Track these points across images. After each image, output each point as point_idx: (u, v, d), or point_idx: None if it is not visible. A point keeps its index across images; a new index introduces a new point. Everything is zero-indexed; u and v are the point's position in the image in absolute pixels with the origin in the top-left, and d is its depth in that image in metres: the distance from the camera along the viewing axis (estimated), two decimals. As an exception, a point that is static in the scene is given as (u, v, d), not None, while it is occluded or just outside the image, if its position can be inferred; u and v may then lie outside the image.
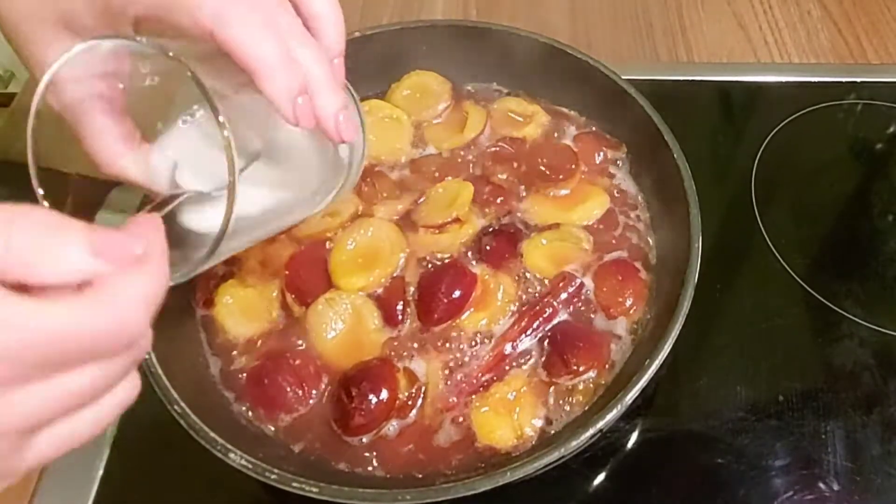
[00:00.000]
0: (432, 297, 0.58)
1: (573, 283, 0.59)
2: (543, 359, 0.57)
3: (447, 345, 0.57)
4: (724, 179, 0.77)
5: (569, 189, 0.66)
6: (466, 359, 0.57)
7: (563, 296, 0.59)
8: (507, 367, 0.56)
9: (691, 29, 0.91)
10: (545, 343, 0.57)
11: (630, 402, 0.49)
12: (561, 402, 0.55)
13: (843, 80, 0.83)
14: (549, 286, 0.60)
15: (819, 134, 0.80)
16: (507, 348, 0.57)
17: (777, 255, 0.70)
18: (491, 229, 0.63)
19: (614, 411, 0.49)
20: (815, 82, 0.84)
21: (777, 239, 0.71)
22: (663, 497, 0.57)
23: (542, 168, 0.67)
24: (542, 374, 0.56)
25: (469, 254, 0.62)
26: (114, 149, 0.42)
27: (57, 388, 0.27)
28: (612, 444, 0.59)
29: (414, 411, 0.55)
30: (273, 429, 0.55)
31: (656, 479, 0.58)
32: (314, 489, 0.46)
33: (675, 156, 0.60)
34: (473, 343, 0.57)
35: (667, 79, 0.83)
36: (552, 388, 0.56)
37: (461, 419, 0.55)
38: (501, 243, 0.62)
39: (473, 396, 0.55)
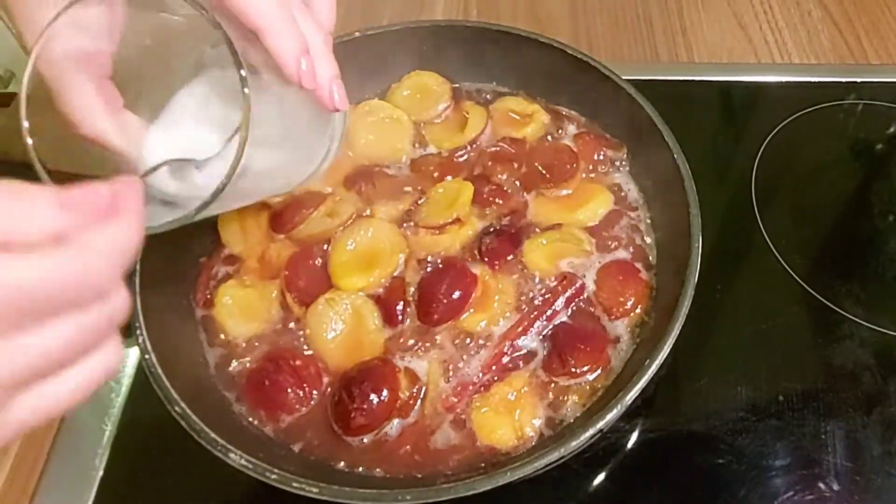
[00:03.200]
0: (432, 297, 0.58)
1: (574, 284, 0.59)
2: (543, 359, 0.57)
3: (447, 345, 0.57)
4: (724, 179, 0.77)
5: (571, 189, 0.66)
6: (466, 359, 0.57)
7: (565, 296, 0.59)
8: (507, 368, 0.56)
9: (691, 29, 0.91)
10: (546, 343, 0.57)
11: (630, 402, 0.49)
12: (561, 402, 0.55)
13: (843, 80, 0.83)
14: (551, 287, 0.60)
15: (819, 134, 0.80)
16: (508, 349, 0.57)
17: (777, 255, 0.70)
18: (491, 229, 0.63)
19: (614, 411, 0.49)
20: (815, 82, 0.84)
21: (777, 239, 0.71)
22: (663, 497, 0.57)
23: (542, 169, 0.67)
24: (542, 374, 0.56)
25: (470, 254, 0.62)
26: (94, 109, 0.42)
27: (35, 342, 0.28)
28: (612, 444, 0.59)
29: (415, 411, 0.55)
30: (273, 429, 0.55)
31: (656, 479, 0.58)
32: (314, 489, 0.46)
33: (675, 156, 0.60)
34: (473, 344, 0.57)
35: (667, 79, 0.83)
36: (552, 389, 0.56)
37: (462, 419, 0.55)
38: (502, 243, 0.62)
39: (475, 396, 0.55)
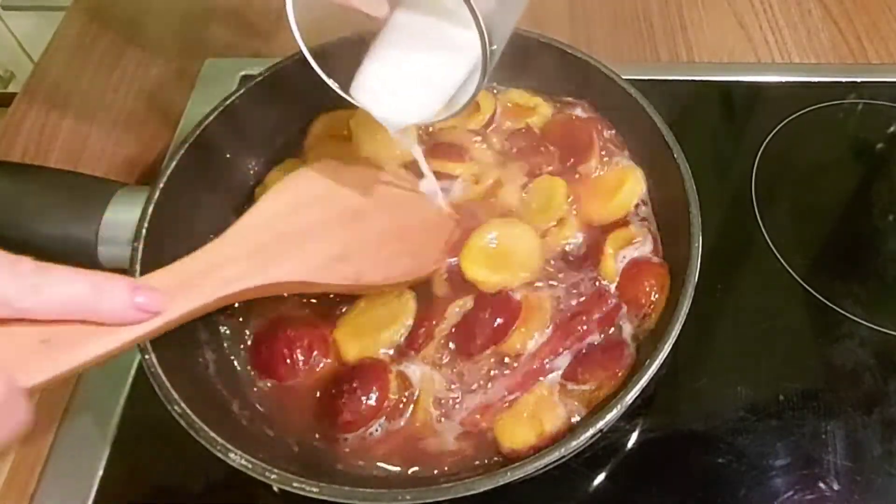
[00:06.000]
0: (475, 324, 0.57)
1: (608, 303, 0.58)
2: (565, 370, 0.56)
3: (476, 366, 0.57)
4: (724, 179, 0.77)
5: (595, 169, 0.66)
6: (494, 377, 0.57)
7: (598, 315, 0.57)
8: (533, 383, 0.56)
9: (692, 29, 0.91)
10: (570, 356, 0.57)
11: (630, 402, 0.49)
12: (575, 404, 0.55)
13: (844, 79, 0.83)
14: (584, 304, 0.58)
15: (819, 134, 0.80)
16: (537, 366, 0.56)
17: (777, 255, 0.70)
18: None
19: (614, 411, 0.49)
20: (815, 82, 0.83)
21: (777, 239, 0.71)
22: (663, 497, 0.57)
23: (561, 149, 0.66)
24: (561, 380, 0.56)
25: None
26: None
27: None
28: (612, 444, 0.59)
29: (405, 417, 0.55)
30: (272, 433, 0.55)
31: (656, 479, 0.58)
32: (314, 489, 0.46)
33: (675, 156, 0.60)
34: (501, 363, 0.57)
35: (667, 79, 0.83)
36: (567, 391, 0.55)
37: (478, 432, 0.55)
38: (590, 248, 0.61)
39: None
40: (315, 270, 0.50)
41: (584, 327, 0.57)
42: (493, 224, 0.62)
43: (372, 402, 0.54)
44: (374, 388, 0.54)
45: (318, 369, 0.57)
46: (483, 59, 0.42)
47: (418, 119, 0.49)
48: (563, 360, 0.57)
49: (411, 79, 0.48)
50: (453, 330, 0.58)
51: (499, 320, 0.57)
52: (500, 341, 0.57)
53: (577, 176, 0.66)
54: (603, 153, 0.67)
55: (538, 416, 0.53)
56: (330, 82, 0.49)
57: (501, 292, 0.59)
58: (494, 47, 0.42)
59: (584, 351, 0.57)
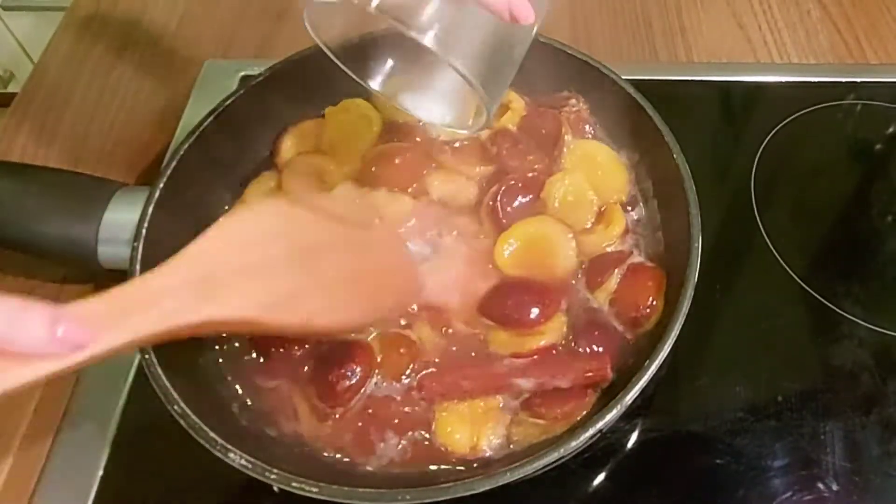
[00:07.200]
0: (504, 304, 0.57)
1: (601, 371, 0.55)
2: (524, 400, 0.55)
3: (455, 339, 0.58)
4: (724, 179, 0.77)
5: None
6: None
7: (582, 376, 0.55)
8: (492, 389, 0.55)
9: (691, 29, 0.91)
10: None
11: (630, 402, 0.49)
12: (519, 428, 0.55)
13: (843, 80, 0.83)
14: (578, 357, 0.57)
15: (819, 134, 0.80)
16: (503, 373, 0.56)
17: (777, 255, 0.70)
18: None
19: (614, 411, 0.49)
20: (814, 82, 0.83)
21: (777, 239, 0.71)
22: (663, 497, 0.57)
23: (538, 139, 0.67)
24: (515, 404, 0.55)
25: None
26: None
27: None
28: (612, 444, 0.59)
29: (406, 377, 0.56)
30: (273, 433, 0.55)
31: (656, 479, 0.58)
32: (314, 489, 0.46)
33: (675, 156, 0.60)
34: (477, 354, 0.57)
35: (667, 79, 0.83)
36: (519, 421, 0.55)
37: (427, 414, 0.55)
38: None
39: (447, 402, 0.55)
40: (263, 308, 0.45)
41: (562, 377, 0.55)
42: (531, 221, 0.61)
43: (359, 371, 0.55)
44: (357, 354, 0.55)
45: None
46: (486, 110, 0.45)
47: (448, 123, 0.53)
48: (529, 387, 0.55)
49: (442, 93, 0.52)
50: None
51: (535, 310, 0.56)
52: (527, 328, 0.56)
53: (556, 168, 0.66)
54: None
55: (479, 429, 0.53)
56: (368, 85, 0.51)
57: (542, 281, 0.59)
58: (489, 115, 0.45)
59: (548, 389, 0.55)
